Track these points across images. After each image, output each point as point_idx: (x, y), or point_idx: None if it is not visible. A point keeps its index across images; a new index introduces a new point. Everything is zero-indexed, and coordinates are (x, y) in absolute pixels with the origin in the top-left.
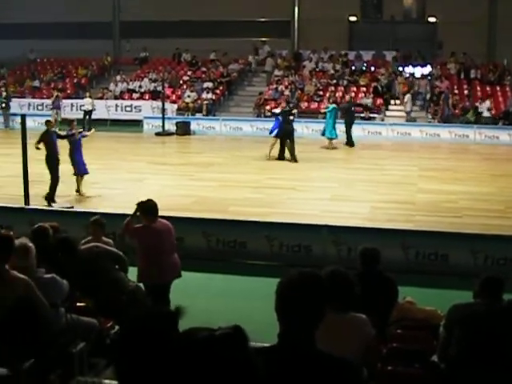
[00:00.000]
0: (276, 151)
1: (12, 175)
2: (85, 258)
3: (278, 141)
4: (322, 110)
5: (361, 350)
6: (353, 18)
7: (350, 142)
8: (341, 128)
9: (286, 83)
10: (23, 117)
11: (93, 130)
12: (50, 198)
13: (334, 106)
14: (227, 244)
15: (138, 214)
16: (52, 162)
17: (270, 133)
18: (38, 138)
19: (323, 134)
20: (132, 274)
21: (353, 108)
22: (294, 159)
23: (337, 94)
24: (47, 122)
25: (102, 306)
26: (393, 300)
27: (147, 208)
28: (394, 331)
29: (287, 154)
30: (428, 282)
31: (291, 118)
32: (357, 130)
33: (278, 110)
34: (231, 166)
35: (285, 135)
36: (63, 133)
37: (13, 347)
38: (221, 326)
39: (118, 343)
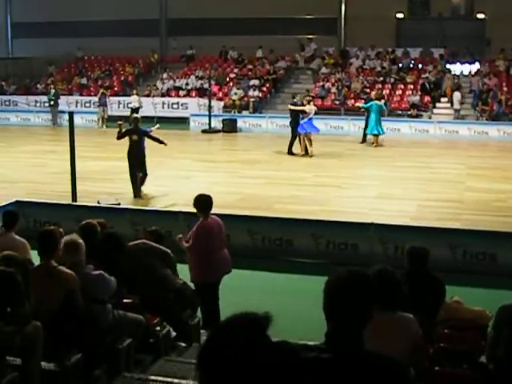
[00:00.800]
0: (306, 147)
1: (59, 172)
2: (132, 255)
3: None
4: (358, 105)
5: (408, 349)
6: (400, 15)
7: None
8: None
9: (333, 80)
10: (71, 114)
11: (157, 125)
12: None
13: (374, 101)
14: (273, 242)
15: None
16: (142, 159)
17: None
18: (121, 133)
19: (366, 131)
20: (181, 271)
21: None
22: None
23: (384, 92)
24: (135, 119)
25: (148, 303)
26: (440, 300)
27: (202, 202)
28: (441, 331)
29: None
30: (476, 282)
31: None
32: (404, 128)
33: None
34: (277, 164)
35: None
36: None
37: (60, 342)
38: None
39: (206, 350)
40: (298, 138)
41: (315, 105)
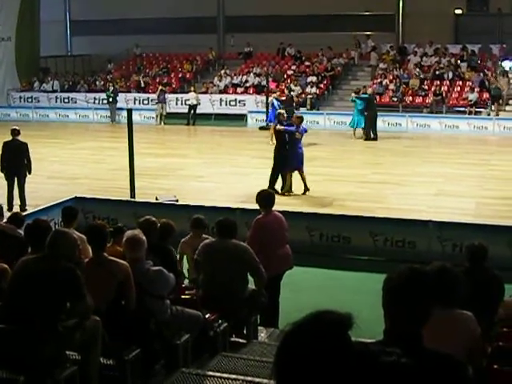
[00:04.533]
0: None
1: (118, 168)
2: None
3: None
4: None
5: (466, 347)
6: (458, 11)
7: (375, 136)
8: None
9: (391, 77)
10: (129, 111)
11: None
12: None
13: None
14: (331, 239)
15: None
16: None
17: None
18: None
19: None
20: None
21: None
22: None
23: (442, 89)
24: (280, 115)
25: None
26: (499, 298)
27: (263, 198)
28: (500, 330)
29: None
30: None
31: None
32: (462, 125)
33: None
34: (335, 161)
35: None
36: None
37: (118, 337)
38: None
39: (285, 348)
40: None
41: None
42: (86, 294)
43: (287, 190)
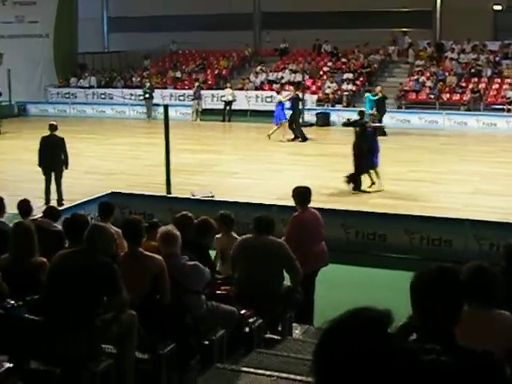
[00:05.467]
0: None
1: (153, 164)
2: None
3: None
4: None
5: (504, 347)
6: (497, 7)
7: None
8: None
9: (428, 74)
10: (166, 107)
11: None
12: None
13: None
14: (366, 236)
15: None
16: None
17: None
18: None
19: None
20: None
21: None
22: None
23: (480, 86)
24: (360, 113)
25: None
26: None
27: (299, 194)
28: None
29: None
30: None
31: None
32: (500, 123)
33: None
34: None
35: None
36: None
37: (154, 332)
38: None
39: (325, 345)
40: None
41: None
42: (122, 288)
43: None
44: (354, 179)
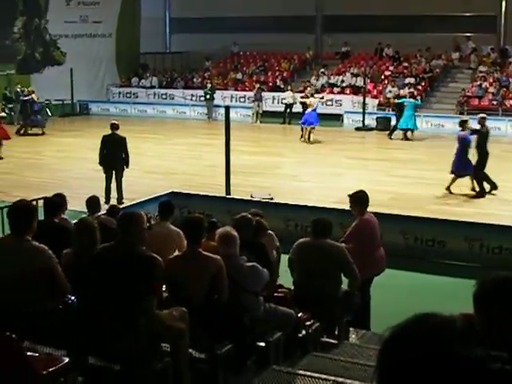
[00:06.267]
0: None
1: (213, 165)
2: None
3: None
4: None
5: None
6: None
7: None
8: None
9: (491, 80)
10: (227, 108)
11: None
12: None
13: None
14: (425, 242)
15: None
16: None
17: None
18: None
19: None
20: None
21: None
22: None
23: None
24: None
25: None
26: None
27: (359, 198)
28: None
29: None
30: None
31: None
32: None
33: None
34: (431, 163)
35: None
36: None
37: (211, 331)
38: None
39: (389, 351)
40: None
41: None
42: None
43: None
44: (480, 188)
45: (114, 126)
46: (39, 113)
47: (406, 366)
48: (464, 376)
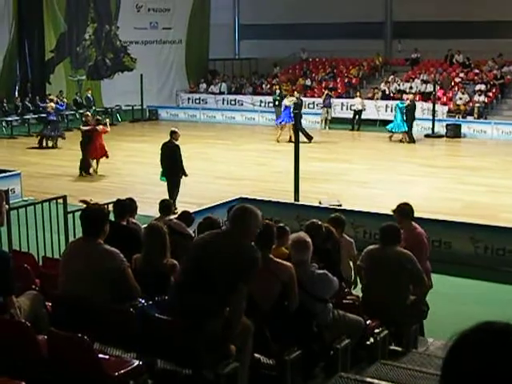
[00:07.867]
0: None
1: (282, 171)
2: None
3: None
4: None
5: None
6: None
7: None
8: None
9: None
10: (296, 115)
11: None
12: None
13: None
14: (495, 251)
15: None
16: None
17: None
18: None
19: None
20: None
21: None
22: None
23: None
24: None
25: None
26: None
27: (410, 210)
28: None
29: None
30: None
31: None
32: None
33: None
34: (502, 172)
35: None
36: None
37: (280, 337)
38: None
39: (451, 360)
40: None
41: None
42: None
43: None
44: None
45: (172, 134)
46: (54, 124)
47: (471, 374)
48: None
